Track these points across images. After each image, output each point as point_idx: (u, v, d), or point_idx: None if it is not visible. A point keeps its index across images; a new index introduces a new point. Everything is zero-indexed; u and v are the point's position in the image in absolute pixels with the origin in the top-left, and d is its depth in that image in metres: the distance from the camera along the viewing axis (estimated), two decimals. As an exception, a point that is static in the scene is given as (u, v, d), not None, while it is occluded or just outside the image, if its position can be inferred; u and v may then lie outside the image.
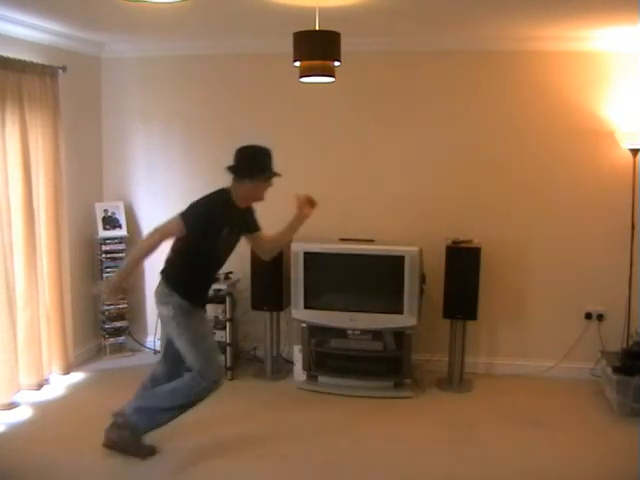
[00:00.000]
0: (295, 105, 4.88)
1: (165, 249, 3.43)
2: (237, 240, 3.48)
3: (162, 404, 3.41)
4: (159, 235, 3.30)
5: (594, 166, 4.58)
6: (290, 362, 4.84)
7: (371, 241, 4.53)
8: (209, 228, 3.25)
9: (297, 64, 3.41)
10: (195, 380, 3.32)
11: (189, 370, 3.38)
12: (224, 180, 5.13)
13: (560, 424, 3.98)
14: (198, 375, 3.31)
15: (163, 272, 3.47)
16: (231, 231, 3.35)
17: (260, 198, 3.36)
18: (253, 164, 3.28)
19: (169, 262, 3.47)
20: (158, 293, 3.44)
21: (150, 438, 3.53)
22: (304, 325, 4.54)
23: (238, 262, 4.89)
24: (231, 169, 3.31)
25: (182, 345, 3.36)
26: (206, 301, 3.59)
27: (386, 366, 4.50)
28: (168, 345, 3.52)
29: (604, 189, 4.58)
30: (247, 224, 3.48)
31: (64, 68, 4.46)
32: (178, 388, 3.38)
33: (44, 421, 3.96)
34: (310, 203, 3.43)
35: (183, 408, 3.39)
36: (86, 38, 4.77)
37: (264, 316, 4.78)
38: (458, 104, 4.73)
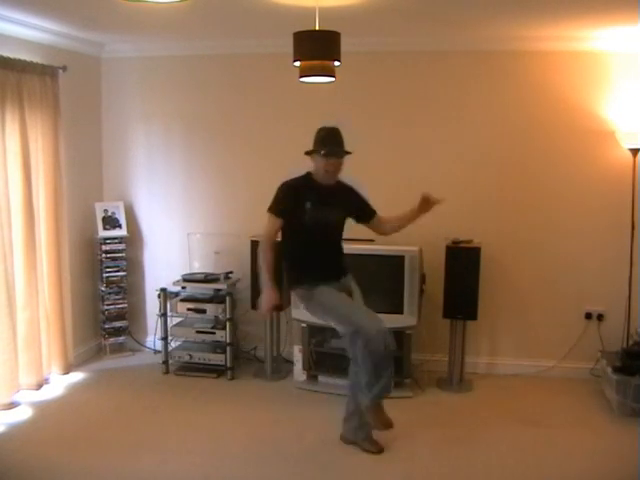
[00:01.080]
0: (295, 105, 4.88)
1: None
2: (334, 218, 3.54)
3: (364, 379, 3.41)
4: (264, 239, 3.43)
5: (594, 166, 4.58)
6: (290, 362, 4.84)
7: (371, 241, 4.52)
8: (290, 205, 3.41)
9: (297, 64, 3.41)
10: (357, 340, 3.33)
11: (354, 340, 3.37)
12: (224, 180, 5.13)
13: (560, 424, 3.98)
14: (355, 335, 3.33)
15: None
16: (316, 206, 3.42)
17: (327, 174, 3.44)
18: (314, 141, 3.47)
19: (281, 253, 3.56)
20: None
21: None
22: (304, 325, 4.54)
23: (238, 262, 4.92)
24: None
25: (326, 321, 3.53)
26: (328, 278, 3.50)
27: (386, 366, 4.49)
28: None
29: (604, 189, 4.58)
30: (354, 209, 3.61)
31: (64, 68, 4.46)
32: (358, 356, 3.39)
33: (44, 421, 3.96)
34: (431, 201, 3.61)
35: (379, 368, 3.36)
36: (86, 38, 4.77)
37: (264, 316, 4.78)
38: (458, 104, 4.73)
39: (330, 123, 3.48)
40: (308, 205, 3.42)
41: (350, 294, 3.58)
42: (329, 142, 3.43)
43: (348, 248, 4.45)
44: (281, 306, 3.85)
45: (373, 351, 3.30)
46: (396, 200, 4.81)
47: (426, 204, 3.61)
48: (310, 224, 3.44)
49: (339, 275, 3.59)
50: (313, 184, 3.50)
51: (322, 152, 3.40)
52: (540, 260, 4.74)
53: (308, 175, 3.52)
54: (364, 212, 3.68)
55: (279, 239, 3.52)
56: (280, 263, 3.53)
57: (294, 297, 3.66)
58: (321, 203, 3.45)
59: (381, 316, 4.32)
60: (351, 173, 4.86)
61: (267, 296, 3.39)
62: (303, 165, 4.98)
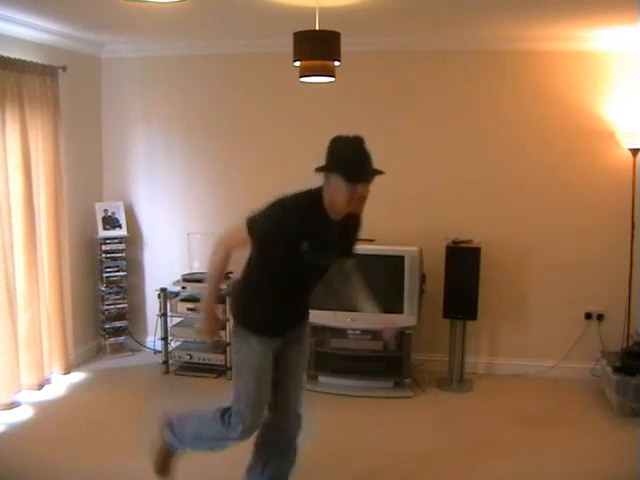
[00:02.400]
0: (295, 105, 4.88)
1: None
2: (329, 263, 2.72)
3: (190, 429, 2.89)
4: (222, 250, 2.67)
5: (594, 166, 4.58)
6: (290, 362, 4.83)
7: (371, 241, 4.52)
8: (281, 239, 2.52)
9: (297, 64, 3.41)
10: (220, 421, 2.74)
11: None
12: (224, 180, 5.07)
13: (560, 424, 3.98)
14: (224, 417, 2.74)
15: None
16: (316, 248, 2.54)
17: (348, 206, 2.53)
18: (331, 158, 2.54)
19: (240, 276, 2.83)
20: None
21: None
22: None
23: (238, 262, 4.91)
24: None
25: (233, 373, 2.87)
26: (277, 331, 2.75)
27: (386, 366, 4.50)
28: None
29: (604, 189, 4.58)
30: (343, 244, 2.74)
31: (64, 68, 4.46)
32: (203, 418, 2.83)
33: (45, 421, 3.96)
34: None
35: (202, 444, 2.87)
36: (86, 38, 4.77)
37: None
38: (458, 104, 4.73)
39: (349, 132, 2.64)
40: (305, 246, 2.52)
41: (288, 368, 2.83)
42: (358, 163, 2.52)
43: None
44: (222, 344, 3.04)
45: (221, 438, 2.75)
46: (396, 200, 4.84)
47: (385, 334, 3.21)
48: (297, 267, 2.60)
49: (297, 325, 2.84)
50: (321, 215, 2.56)
51: (349, 178, 2.47)
52: (540, 260, 4.74)
53: (317, 199, 2.56)
54: (350, 249, 2.85)
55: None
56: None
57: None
58: (323, 244, 2.56)
59: (381, 316, 4.37)
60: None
61: (207, 325, 2.76)
62: (303, 164, 5.00)
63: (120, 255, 5.06)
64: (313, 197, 2.59)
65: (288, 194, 2.62)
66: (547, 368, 4.75)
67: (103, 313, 5.08)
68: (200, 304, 2.74)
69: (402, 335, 4.41)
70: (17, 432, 3.79)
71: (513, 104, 4.65)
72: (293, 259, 2.55)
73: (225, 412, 2.75)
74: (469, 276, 4.38)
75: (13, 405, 4.07)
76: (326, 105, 4.83)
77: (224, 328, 4.24)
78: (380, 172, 2.56)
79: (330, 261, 2.72)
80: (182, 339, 4.95)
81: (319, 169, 2.54)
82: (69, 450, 3.58)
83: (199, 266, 5.08)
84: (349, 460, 3.53)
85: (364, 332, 4.48)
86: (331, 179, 2.52)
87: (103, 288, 5.03)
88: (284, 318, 2.76)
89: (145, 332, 5.32)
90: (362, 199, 2.55)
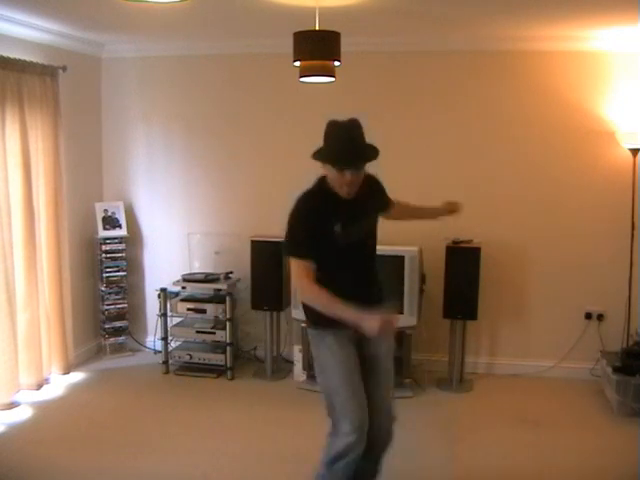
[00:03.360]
0: (295, 105, 4.88)
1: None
2: (369, 230, 2.76)
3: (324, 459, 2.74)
4: (307, 288, 2.57)
5: (594, 166, 4.58)
6: (290, 362, 4.84)
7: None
8: (315, 239, 2.56)
9: (297, 64, 3.41)
10: (331, 433, 2.65)
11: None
12: (224, 180, 5.08)
13: (560, 424, 3.98)
14: (332, 426, 2.65)
15: None
16: (346, 226, 2.59)
17: (342, 189, 2.58)
18: (324, 142, 2.65)
19: None
20: None
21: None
22: (304, 325, 4.54)
23: (238, 262, 4.92)
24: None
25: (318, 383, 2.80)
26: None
27: (386, 366, 4.50)
28: None
29: (604, 189, 4.58)
30: (381, 206, 2.85)
31: (64, 68, 4.46)
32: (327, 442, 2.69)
33: (44, 421, 3.96)
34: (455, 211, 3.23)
35: (338, 466, 2.65)
36: (86, 38, 4.77)
37: (264, 316, 4.78)
38: (458, 104, 4.73)
39: (344, 116, 2.67)
40: (337, 228, 2.57)
41: (373, 362, 2.71)
42: (344, 149, 2.55)
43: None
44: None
45: (337, 452, 2.59)
46: (396, 199, 4.84)
47: (450, 211, 3.23)
48: (343, 248, 2.61)
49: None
50: (334, 197, 2.62)
51: (335, 166, 2.55)
52: (540, 260, 4.74)
53: (323, 185, 2.65)
54: (387, 206, 2.94)
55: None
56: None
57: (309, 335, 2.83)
58: (351, 219, 2.61)
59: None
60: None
61: (373, 322, 2.41)
62: (303, 164, 5.00)
63: (120, 255, 5.05)
64: (321, 184, 2.66)
65: (296, 199, 2.68)
66: (547, 368, 4.75)
67: (103, 313, 5.08)
68: (350, 319, 2.45)
69: (402, 335, 4.41)
70: (16, 432, 3.79)
71: (513, 104, 4.65)
72: (335, 245, 2.59)
73: (333, 425, 2.68)
74: (469, 276, 4.38)
75: (12, 405, 4.07)
76: (326, 105, 4.80)
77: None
78: (368, 159, 2.58)
79: (368, 227, 2.75)
80: (182, 339, 4.95)
81: (313, 156, 2.63)
82: (68, 450, 3.58)
83: (199, 266, 5.09)
84: (349, 460, 3.53)
85: (364, 332, 4.48)
86: (326, 166, 2.61)
87: (103, 288, 5.03)
88: (350, 303, 2.48)
89: (145, 332, 5.32)
90: (353, 183, 2.58)
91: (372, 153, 2.60)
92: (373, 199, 2.78)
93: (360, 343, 2.68)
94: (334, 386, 2.64)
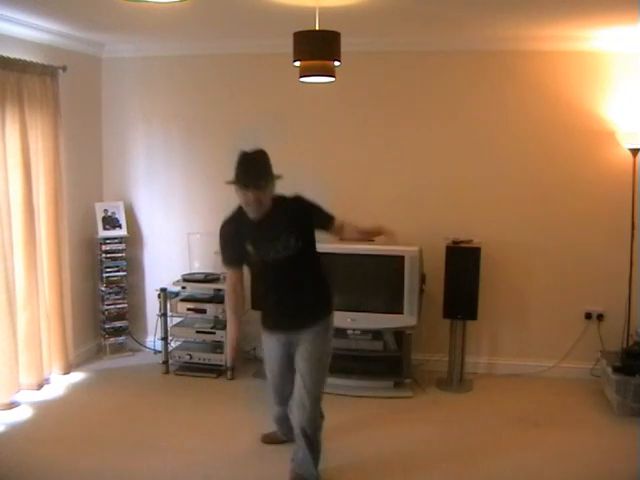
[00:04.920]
0: (295, 105, 4.88)
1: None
2: (283, 250, 3.05)
3: None
4: (228, 288, 3.32)
5: (594, 166, 4.58)
6: (290, 362, 4.84)
7: (371, 241, 4.52)
8: (233, 252, 3.15)
9: (297, 64, 3.41)
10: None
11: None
12: (223, 179, 5.10)
13: (560, 424, 3.98)
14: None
15: None
16: (256, 245, 3.07)
17: (248, 208, 3.00)
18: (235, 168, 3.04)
19: None
20: None
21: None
22: None
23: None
24: None
25: None
26: (277, 325, 3.25)
27: (386, 366, 4.50)
28: None
29: (604, 189, 4.58)
30: (306, 224, 3.09)
31: (64, 68, 4.46)
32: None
33: (44, 421, 3.96)
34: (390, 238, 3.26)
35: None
36: (86, 38, 4.77)
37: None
38: (458, 104, 4.73)
39: (252, 146, 3.05)
40: (249, 247, 3.06)
41: (294, 362, 3.20)
42: (240, 172, 2.97)
43: (347, 248, 4.47)
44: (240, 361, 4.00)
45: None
46: (396, 200, 4.85)
47: (379, 236, 3.31)
48: (258, 265, 3.14)
49: (295, 324, 3.14)
50: (246, 219, 3.04)
51: (235, 186, 2.97)
52: (540, 260, 4.74)
53: (240, 209, 3.08)
54: (320, 222, 3.14)
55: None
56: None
57: None
58: (260, 239, 3.04)
59: (381, 316, 4.38)
60: (351, 173, 4.90)
61: (233, 349, 3.33)
62: (302, 164, 5.02)
63: (120, 255, 5.05)
64: (238, 209, 3.10)
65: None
66: (547, 368, 4.75)
67: (103, 313, 5.08)
68: (228, 342, 3.37)
69: (402, 335, 4.41)
70: (16, 432, 3.79)
71: (513, 104, 4.65)
72: (250, 259, 3.12)
73: None
74: (469, 276, 4.38)
75: (12, 405, 4.07)
76: (326, 105, 4.83)
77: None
78: (260, 183, 2.93)
79: (281, 246, 3.04)
80: (182, 339, 4.95)
81: (227, 181, 3.03)
82: (68, 450, 3.58)
83: (199, 266, 5.09)
84: (349, 460, 3.53)
85: (364, 332, 4.48)
86: (235, 189, 3.01)
87: (103, 288, 5.03)
88: (274, 314, 3.25)
89: (145, 332, 5.32)
90: (256, 203, 2.95)
91: (264, 179, 2.96)
92: (287, 221, 3.03)
93: (290, 342, 3.20)
94: (269, 379, 3.42)
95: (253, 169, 2.96)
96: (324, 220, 3.12)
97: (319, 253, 3.24)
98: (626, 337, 4.54)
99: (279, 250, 3.03)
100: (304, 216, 3.09)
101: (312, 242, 3.17)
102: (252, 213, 3.00)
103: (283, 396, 3.38)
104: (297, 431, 3.19)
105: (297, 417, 3.17)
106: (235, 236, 3.09)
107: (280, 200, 3.05)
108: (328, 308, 3.26)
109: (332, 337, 3.29)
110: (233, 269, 3.19)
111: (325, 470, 3.39)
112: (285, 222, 3.03)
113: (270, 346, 3.30)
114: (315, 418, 3.19)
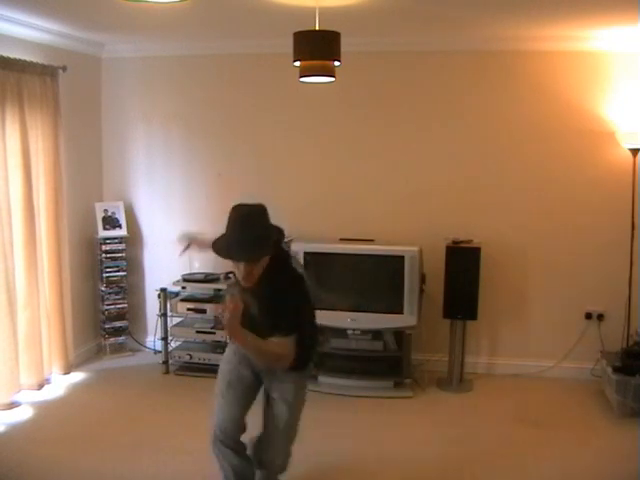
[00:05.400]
0: (295, 105, 4.88)
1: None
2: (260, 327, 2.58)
3: None
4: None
5: (594, 166, 4.58)
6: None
7: (371, 241, 4.53)
8: None
9: (297, 64, 3.41)
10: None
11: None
12: (223, 180, 5.10)
13: (560, 424, 3.98)
14: None
15: None
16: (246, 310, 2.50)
17: (240, 276, 2.57)
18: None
19: None
20: None
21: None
22: None
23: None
24: None
25: None
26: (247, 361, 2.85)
27: (386, 366, 4.50)
28: None
29: (604, 189, 4.58)
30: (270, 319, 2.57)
31: (64, 68, 4.46)
32: None
33: (45, 421, 3.96)
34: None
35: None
36: (86, 38, 4.77)
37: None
38: (458, 104, 4.73)
39: (250, 199, 2.64)
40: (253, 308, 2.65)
41: (267, 397, 2.85)
42: (228, 242, 2.52)
43: (347, 248, 4.47)
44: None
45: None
46: (396, 200, 4.85)
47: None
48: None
49: (257, 370, 2.82)
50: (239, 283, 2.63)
51: (219, 255, 2.54)
52: (540, 260, 4.73)
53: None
54: (276, 322, 2.55)
55: None
56: None
57: None
58: (246, 310, 2.49)
59: (381, 316, 4.38)
60: (351, 173, 4.90)
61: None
62: (303, 164, 5.02)
63: (120, 255, 5.05)
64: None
65: None
66: (547, 368, 4.75)
67: (103, 313, 5.08)
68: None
69: (402, 335, 4.41)
70: (17, 432, 3.79)
71: (513, 104, 4.65)
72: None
73: None
74: (469, 276, 4.38)
75: (13, 405, 4.07)
76: (326, 105, 4.83)
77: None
78: (253, 256, 2.50)
79: (259, 325, 2.59)
80: (182, 339, 4.94)
81: (211, 245, 2.63)
82: (69, 450, 3.58)
83: (199, 266, 5.09)
84: (349, 460, 3.53)
85: (364, 332, 4.48)
86: None
87: (103, 288, 5.03)
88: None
89: (145, 332, 5.32)
90: (249, 273, 2.53)
91: (258, 251, 2.51)
92: (269, 308, 2.60)
93: (258, 373, 2.85)
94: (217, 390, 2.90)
95: (247, 239, 2.50)
96: (281, 325, 2.56)
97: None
98: (626, 337, 4.54)
99: (252, 323, 2.58)
100: (278, 305, 2.57)
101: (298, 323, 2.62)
102: (242, 281, 2.57)
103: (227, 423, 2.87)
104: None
105: (273, 460, 2.91)
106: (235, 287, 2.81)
107: (274, 271, 2.58)
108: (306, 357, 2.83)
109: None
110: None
111: (325, 470, 3.40)
112: (267, 303, 2.62)
113: (228, 362, 2.92)
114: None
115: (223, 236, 2.58)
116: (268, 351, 2.53)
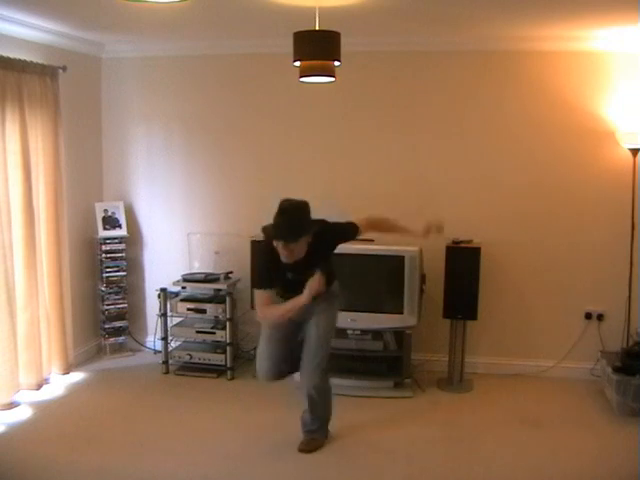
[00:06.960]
0: (295, 105, 4.88)
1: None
2: (310, 271, 3.27)
3: None
4: (260, 307, 3.39)
5: (594, 166, 4.58)
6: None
7: (371, 241, 4.53)
8: (272, 279, 3.33)
9: (297, 64, 3.41)
10: None
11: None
12: (223, 180, 5.12)
13: (560, 424, 3.98)
14: None
15: None
16: (299, 271, 3.29)
17: (283, 257, 3.21)
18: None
19: None
20: None
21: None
22: None
23: (238, 262, 4.92)
24: None
25: None
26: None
27: (386, 366, 4.50)
28: None
29: (604, 189, 4.58)
30: (330, 251, 3.47)
31: (64, 68, 4.46)
32: None
33: (44, 421, 3.96)
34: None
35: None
36: (86, 38, 4.77)
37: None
38: (458, 104, 4.73)
39: (296, 197, 3.23)
40: (289, 275, 3.31)
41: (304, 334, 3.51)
42: (278, 224, 3.17)
43: (347, 248, 4.45)
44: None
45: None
46: (396, 200, 4.84)
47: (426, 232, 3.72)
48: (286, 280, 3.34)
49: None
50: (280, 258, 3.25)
51: (271, 236, 3.19)
52: (540, 260, 4.74)
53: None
54: (347, 238, 3.51)
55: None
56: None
57: None
58: (299, 270, 3.27)
59: (381, 316, 4.38)
60: (351, 172, 4.90)
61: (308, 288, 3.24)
62: (303, 164, 5.02)
63: (120, 255, 5.05)
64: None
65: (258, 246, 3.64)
66: (547, 368, 4.75)
67: (103, 313, 5.08)
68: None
69: (402, 335, 4.41)
70: (16, 432, 3.79)
71: (513, 104, 4.65)
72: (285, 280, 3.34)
73: None
74: (469, 276, 4.38)
75: (12, 405, 4.07)
76: (326, 105, 4.83)
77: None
78: (295, 238, 3.13)
79: (308, 272, 3.23)
80: (182, 339, 4.94)
81: (262, 229, 3.35)
82: (68, 450, 3.57)
83: (199, 266, 5.09)
84: (349, 460, 3.53)
85: (364, 332, 4.48)
86: None
87: (103, 288, 5.03)
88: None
89: (145, 332, 5.32)
90: (291, 252, 3.16)
91: (299, 234, 3.13)
92: (319, 257, 3.30)
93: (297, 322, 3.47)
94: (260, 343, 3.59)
95: (291, 223, 3.13)
96: (350, 236, 3.45)
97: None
98: (626, 337, 4.54)
99: (314, 271, 3.24)
100: (332, 246, 3.43)
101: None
102: (285, 259, 3.19)
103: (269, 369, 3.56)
104: (305, 394, 3.56)
105: (305, 383, 3.52)
106: (273, 266, 3.27)
107: (309, 241, 3.22)
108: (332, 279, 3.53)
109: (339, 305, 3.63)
110: (267, 292, 3.32)
111: (325, 470, 3.40)
112: (317, 258, 3.28)
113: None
114: (321, 383, 3.55)
115: (272, 223, 3.17)
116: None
